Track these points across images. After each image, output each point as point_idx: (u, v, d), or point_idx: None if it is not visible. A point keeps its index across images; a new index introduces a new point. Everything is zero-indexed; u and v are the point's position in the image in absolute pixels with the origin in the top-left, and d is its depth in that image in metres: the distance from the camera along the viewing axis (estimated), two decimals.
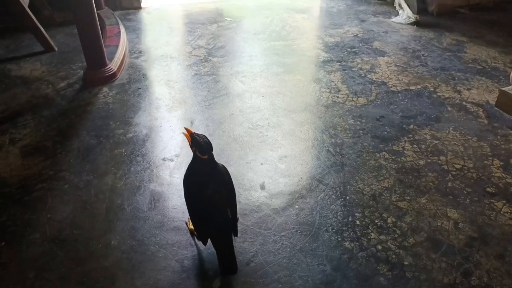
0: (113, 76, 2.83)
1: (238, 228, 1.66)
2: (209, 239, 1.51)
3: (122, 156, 2.12)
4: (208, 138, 1.42)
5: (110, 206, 1.81)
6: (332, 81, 2.86)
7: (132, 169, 2.03)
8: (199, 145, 1.40)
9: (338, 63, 3.12)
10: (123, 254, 1.59)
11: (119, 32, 3.38)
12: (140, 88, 2.75)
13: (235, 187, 1.55)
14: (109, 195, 1.87)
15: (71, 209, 1.79)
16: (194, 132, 1.42)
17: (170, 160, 2.10)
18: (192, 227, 1.64)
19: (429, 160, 2.11)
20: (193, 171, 1.49)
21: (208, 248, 1.59)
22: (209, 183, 1.44)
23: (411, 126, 2.39)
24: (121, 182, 1.95)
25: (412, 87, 2.80)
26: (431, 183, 1.96)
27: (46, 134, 2.27)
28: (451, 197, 1.88)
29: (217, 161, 1.50)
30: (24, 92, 2.68)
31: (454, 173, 2.03)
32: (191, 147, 1.42)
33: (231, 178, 1.53)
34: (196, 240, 1.65)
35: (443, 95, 2.70)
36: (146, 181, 1.96)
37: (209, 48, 3.37)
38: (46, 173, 1.99)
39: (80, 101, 2.59)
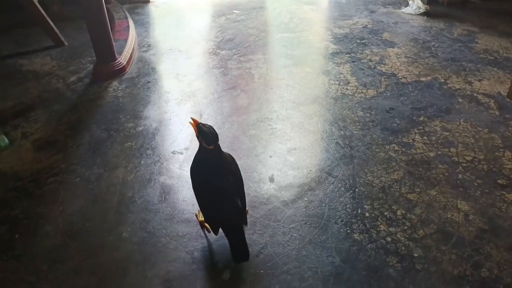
0: (123, 70, 2.85)
1: (248, 220, 1.68)
2: (220, 229, 1.53)
3: (132, 150, 2.14)
4: (216, 130, 1.43)
5: (121, 199, 1.83)
6: (341, 73, 2.84)
7: (142, 162, 2.05)
8: (205, 135, 1.41)
9: (347, 55, 3.10)
10: (135, 246, 1.62)
11: (128, 26, 3.39)
12: (149, 82, 2.77)
13: (244, 179, 1.57)
14: (120, 188, 1.89)
15: (82, 202, 1.82)
16: (201, 122, 1.43)
17: (180, 153, 2.11)
18: (202, 219, 1.66)
19: (439, 152, 2.10)
20: (199, 162, 1.50)
21: (218, 240, 1.61)
22: (216, 172, 1.45)
23: (421, 118, 2.37)
24: (131, 175, 1.97)
25: (422, 79, 2.77)
26: (441, 175, 1.95)
27: (57, 128, 2.30)
28: (461, 189, 1.87)
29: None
30: (35, 86, 2.71)
31: (464, 165, 2.01)
32: (197, 137, 1.44)
33: (238, 167, 1.54)
34: (205, 232, 1.67)
35: (454, 86, 2.67)
36: (156, 174, 1.98)
37: (217, 41, 3.37)
38: (57, 167, 2.02)
39: (90, 95, 2.61)
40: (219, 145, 1.45)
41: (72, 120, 2.37)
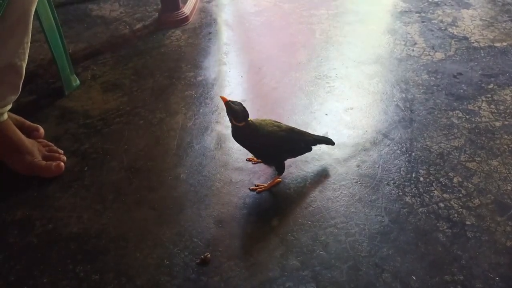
0: (186, 19, 2.89)
1: (298, 174, 1.72)
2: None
3: (192, 98, 2.21)
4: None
5: (180, 143, 1.93)
6: (408, 33, 2.71)
7: (201, 110, 2.12)
8: (235, 112, 1.50)
9: (417, 14, 2.93)
10: (191, 187, 1.72)
11: None
12: (210, 33, 2.79)
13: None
14: (179, 132, 1.99)
15: (145, 143, 1.94)
16: (230, 100, 1.51)
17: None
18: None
19: (506, 122, 1.99)
20: (236, 136, 1.63)
21: (270, 189, 1.67)
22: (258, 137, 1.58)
23: (491, 85, 2.23)
24: (190, 122, 2.05)
25: (497, 44, 2.58)
26: (505, 146, 1.86)
27: (124, 73, 2.42)
28: None
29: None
30: (104, 31, 2.83)
31: None
32: (227, 114, 1.54)
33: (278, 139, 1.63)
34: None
35: None
36: (213, 123, 2.04)
37: None
38: (123, 108, 2.14)
39: (155, 43, 2.69)
40: (249, 121, 1.52)
41: (137, 66, 2.47)
